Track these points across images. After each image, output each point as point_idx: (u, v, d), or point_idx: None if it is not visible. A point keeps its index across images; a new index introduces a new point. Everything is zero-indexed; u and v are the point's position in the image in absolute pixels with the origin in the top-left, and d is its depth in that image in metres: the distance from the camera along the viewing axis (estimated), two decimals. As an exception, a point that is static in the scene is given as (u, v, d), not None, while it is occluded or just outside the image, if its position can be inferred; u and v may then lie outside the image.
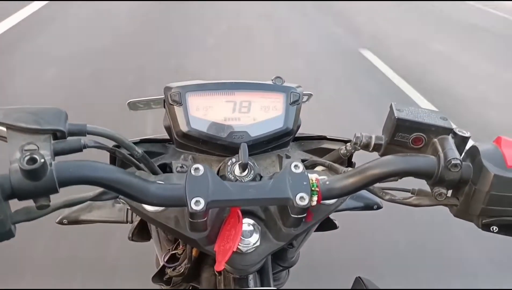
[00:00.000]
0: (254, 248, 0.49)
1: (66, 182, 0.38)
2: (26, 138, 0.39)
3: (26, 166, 0.34)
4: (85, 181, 0.39)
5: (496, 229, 0.44)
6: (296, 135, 0.64)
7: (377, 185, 0.51)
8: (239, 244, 0.48)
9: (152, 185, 0.43)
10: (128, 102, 0.69)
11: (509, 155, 0.42)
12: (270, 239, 0.51)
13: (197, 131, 0.56)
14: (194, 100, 0.56)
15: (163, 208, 0.49)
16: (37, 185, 0.36)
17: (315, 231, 0.71)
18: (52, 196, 0.39)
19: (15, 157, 0.37)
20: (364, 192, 0.82)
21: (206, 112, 0.56)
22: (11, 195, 0.36)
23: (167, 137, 0.62)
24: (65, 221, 0.73)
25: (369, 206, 0.82)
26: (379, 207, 0.82)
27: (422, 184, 0.50)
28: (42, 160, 0.35)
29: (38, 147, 0.38)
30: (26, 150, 0.37)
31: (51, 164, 0.37)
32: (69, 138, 0.42)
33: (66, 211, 0.74)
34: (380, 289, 0.56)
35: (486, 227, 0.44)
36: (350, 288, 0.60)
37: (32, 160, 0.34)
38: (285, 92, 0.58)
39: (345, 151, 0.56)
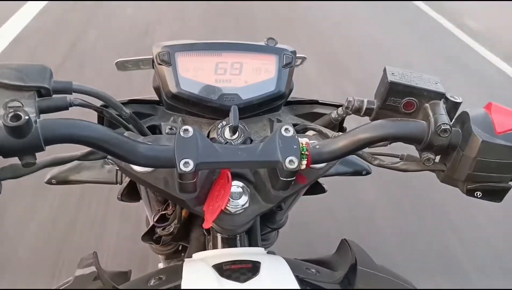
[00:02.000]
0: (242, 210, 0.50)
1: (52, 140, 0.37)
2: (10, 95, 0.38)
3: (10, 123, 0.33)
4: (72, 139, 0.38)
5: (480, 194, 0.45)
6: (288, 99, 0.63)
7: (367, 150, 0.51)
8: (228, 205, 0.49)
9: (141, 145, 0.42)
10: (116, 62, 0.67)
11: (498, 122, 0.42)
12: (259, 201, 0.51)
13: (187, 92, 0.55)
14: (184, 60, 0.55)
15: (152, 169, 0.48)
16: (22, 143, 0.35)
17: (303, 195, 0.72)
18: (38, 155, 0.38)
19: None
20: (353, 158, 0.83)
21: (196, 73, 0.55)
22: None
23: (157, 98, 0.60)
24: (53, 181, 0.73)
25: (358, 172, 0.83)
26: (368, 173, 0.84)
27: (411, 151, 0.51)
28: (27, 117, 0.34)
29: (23, 104, 0.37)
30: (10, 107, 0.36)
31: (36, 121, 0.36)
32: (54, 96, 0.41)
33: (55, 171, 0.74)
34: (364, 251, 0.58)
35: (470, 193, 0.45)
36: (335, 250, 0.62)
37: (16, 117, 0.34)
38: (278, 54, 0.57)
39: (336, 116, 0.55)
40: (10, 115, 0.33)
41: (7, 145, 0.35)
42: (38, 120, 0.37)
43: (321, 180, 0.74)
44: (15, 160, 0.39)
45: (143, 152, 0.42)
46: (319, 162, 0.47)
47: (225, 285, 0.43)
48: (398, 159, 0.49)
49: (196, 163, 0.42)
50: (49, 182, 0.73)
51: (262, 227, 0.76)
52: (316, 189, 0.72)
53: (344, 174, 0.82)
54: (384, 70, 0.48)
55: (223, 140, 0.52)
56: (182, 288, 0.44)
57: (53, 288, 0.50)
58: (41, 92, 0.40)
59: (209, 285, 0.43)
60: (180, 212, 0.62)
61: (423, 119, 0.45)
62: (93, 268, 0.50)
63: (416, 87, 0.46)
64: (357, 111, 0.51)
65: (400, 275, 0.55)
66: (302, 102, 0.64)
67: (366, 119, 0.52)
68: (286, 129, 0.45)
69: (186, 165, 0.42)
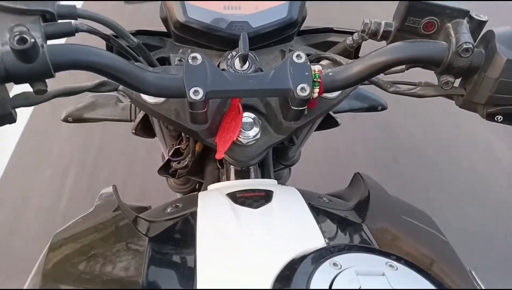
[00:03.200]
0: (254, 141, 0.50)
1: (61, 65, 0.37)
2: (14, 19, 0.37)
3: (16, 46, 0.33)
4: (81, 65, 0.38)
5: (500, 118, 0.43)
6: (301, 29, 0.60)
7: (382, 77, 0.49)
8: (240, 136, 0.49)
9: (150, 73, 0.42)
10: None
11: None
12: (270, 133, 0.51)
13: (194, 20, 0.53)
14: None
15: (163, 99, 0.48)
16: (31, 68, 0.35)
17: (316, 130, 0.72)
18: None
19: (5, 39, 0.35)
20: (368, 92, 0.81)
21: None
22: (6, 77, 0.35)
23: (165, 30, 0.59)
24: (69, 118, 0.74)
25: (373, 107, 0.81)
26: (383, 108, 0.82)
27: (429, 79, 0.49)
28: (33, 40, 0.33)
29: (28, 29, 0.36)
30: (15, 31, 0.35)
31: (43, 46, 0.36)
32: (59, 21, 0.40)
33: (70, 109, 0.75)
34: (378, 183, 0.58)
35: (490, 117, 0.43)
36: (348, 184, 0.62)
37: (22, 40, 0.33)
38: None
39: (351, 42, 0.53)
40: (16, 38, 0.33)
41: (16, 70, 0.35)
42: (45, 45, 0.36)
43: (334, 115, 0.73)
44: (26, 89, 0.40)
45: (153, 80, 0.41)
46: (332, 90, 0.46)
47: (238, 210, 0.44)
48: (415, 86, 0.47)
49: (206, 92, 0.42)
50: (65, 119, 0.75)
51: (275, 164, 0.77)
52: (328, 122, 0.71)
53: (359, 110, 0.80)
54: None
55: (233, 71, 0.51)
56: (197, 213, 0.45)
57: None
58: (46, 17, 0.39)
59: (223, 211, 0.45)
60: (193, 146, 0.63)
61: (444, 40, 0.43)
62: (113, 200, 0.52)
63: (438, 4, 0.42)
64: (374, 35, 0.48)
65: (415, 206, 0.55)
66: (315, 30, 0.61)
67: (384, 45, 0.49)
68: (298, 56, 0.44)
69: (196, 94, 0.41)
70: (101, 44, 0.50)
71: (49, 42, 0.38)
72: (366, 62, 0.43)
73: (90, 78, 0.45)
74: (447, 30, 0.42)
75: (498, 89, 0.40)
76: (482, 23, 0.43)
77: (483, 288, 0.43)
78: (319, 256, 0.35)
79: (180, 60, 0.55)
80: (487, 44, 0.41)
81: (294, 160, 0.82)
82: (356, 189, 0.57)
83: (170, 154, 0.67)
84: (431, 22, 0.44)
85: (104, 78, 0.43)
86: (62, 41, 0.37)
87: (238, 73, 0.51)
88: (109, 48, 0.52)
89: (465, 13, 0.43)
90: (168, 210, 0.51)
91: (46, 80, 0.38)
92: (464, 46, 0.40)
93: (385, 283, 0.33)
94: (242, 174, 0.58)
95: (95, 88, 0.45)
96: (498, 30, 0.41)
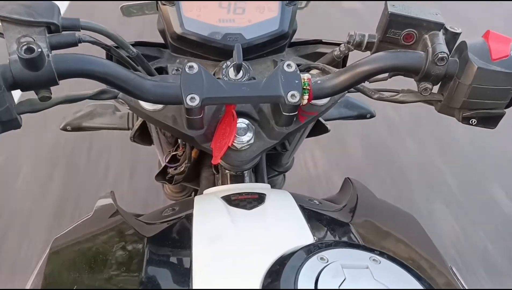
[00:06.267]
0: (248, 146, 0.52)
1: (65, 74, 0.39)
2: (21, 30, 0.40)
3: (24, 55, 0.35)
4: (84, 74, 0.40)
5: (475, 121, 0.46)
6: (292, 41, 0.63)
7: (367, 85, 0.52)
8: (234, 141, 0.51)
9: (149, 81, 0.44)
10: (121, 7, 0.67)
11: (495, 49, 0.42)
12: (263, 138, 0.54)
13: (191, 32, 0.55)
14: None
15: (161, 106, 0.51)
16: (37, 76, 0.38)
17: (307, 137, 0.75)
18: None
19: (13, 49, 0.38)
20: (357, 101, 0.84)
21: (199, 12, 0.55)
22: (13, 84, 0.38)
23: (162, 42, 0.61)
24: (68, 127, 0.76)
25: (362, 115, 0.84)
26: (372, 116, 0.85)
27: (411, 86, 0.52)
28: (39, 50, 0.36)
29: (34, 40, 0.39)
30: (22, 42, 0.38)
31: (48, 55, 0.38)
32: (63, 32, 0.43)
33: (69, 118, 0.77)
34: (366, 187, 0.61)
35: (466, 120, 0.46)
36: (339, 189, 0.65)
37: (30, 50, 0.36)
38: None
39: (338, 53, 0.56)
40: (23, 48, 0.36)
41: (23, 77, 0.37)
42: (50, 54, 0.39)
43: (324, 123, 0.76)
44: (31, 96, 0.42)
45: (151, 88, 0.44)
46: (321, 97, 0.49)
47: (233, 212, 0.46)
48: (397, 93, 0.50)
49: (202, 98, 0.44)
50: (64, 128, 0.77)
51: (268, 171, 0.80)
52: (319, 129, 0.74)
53: (348, 118, 0.83)
54: (385, 3, 0.48)
55: (227, 80, 0.54)
56: (193, 215, 0.47)
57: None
58: (51, 29, 0.41)
59: (218, 213, 0.47)
60: (190, 152, 0.66)
61: (422, 50, 0.46)
62: (111, 205, 0.54)
63: (416, 18, 0.46)
64: (359, 46, 0.51)
65: (401, 208, 0.58)
66: (305, 42, 0.64)
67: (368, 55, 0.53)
68: (288, 65, 0.47)
69: (193, 100, 0.44)
70: (103, 53, 0.53)
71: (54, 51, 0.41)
72: (352, 71, 0.46)
73: (92, 86, 0.47)
74: (425, 41, 0.46)
75: (471, 95, 0.44)
76: (456, 35, 0.46)
77: (464, 284, 0.45)
78: (307, 251, 0.37)
79: (177, 70, 0.58)
80: (461, 54, 0.45)
81: (287, 167, 0.85)
82: (346, 193, 0.59)
83: (167, 161, 0.69)
84: (410, 34, 0.47)
85: (104, 86, 0.46)
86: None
87: (232, 81, 0.54)
88: (109, 57, 0.54)
89: (440, 26, 0.46)
90: (165, 213, 0.53)
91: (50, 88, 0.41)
92: (440, 56, 0.43)
93: (369, 275, 0.35)
94: (237, 179, 0.61)
95: (96, 96, 0.48)
96: (470, 41, 0.44)
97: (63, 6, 2.87)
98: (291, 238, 0.42)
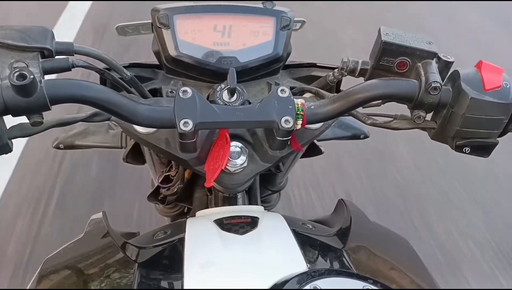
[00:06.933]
0: (241, 169, 0.52)
1: (57, 99, 0.39)
2: (14, 55, 0.39)
3: (16, 82, 0.35)
4: (76, 99, 0.40)
5: (468, 150, 0.46)
6: (286, 63, 0.64)
7: (361, 110, 0.52)
8: (228, 164, 0.51)
9: (142, 106, 0.44)
10: (116, 27, 0.68)
11: (488, 79, 0.43)
12: (257, 161, 0.53)
13: (186, 55, 0.56)
14: (182, 23, 0.55)
15: (154, 129, 0.50)
16: (28, 102, 0.37)
17: (301, 157, 0.75)
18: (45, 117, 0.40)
19: (5, 75, 0.38)
20: (351, 121, 0.85)
21: (194, 35, 0.56)
22: (4, 110, 0.37)
23: (157, 63, 0.62)
24: (61, 145, 0.76)
25: (356, 136, 0.85)
26: (366, 137, 0.86)
27: (405, 112, 0.52)
28: (32, 76, 0.36)
29: (27, 65, 0.39)
30: (15, 67, 0.38)
31: (41, 81, 0.38)
32: (57, 57, 0.42)
33: (62, 136, 0.76)
34: (360, 210, 0.61)
35: (459, 148, 0.47)
36: (333, 210, 0.64)
37: (22, 76, 0.35)
38: (276, 16, 0.58)
39: (332, 78, 0.56)
40: (16, 74, 0.35)
41: (15, 103, 0.37)
42: (42, 80, 0.38)
43: (319, 143, 0.76)
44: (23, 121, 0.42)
45: (144, 112, 0.44)
46: (314, 122, 0.49)
47: (225, 237, 0.46)
48: (391, 119, 0.51)
49: (195, 123, 0.44)
50: (56, 146, 0.76)
51: (262, 190, 0.79)
52: (313, 151, 0.74)
53: (342, 138, 0.84)
54: (379, 30, 0.48)
55: (221, 103, 0.54)
56: (185, 240, 0.47)
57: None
58: (44, 53, 0.41)
59: (210, 237, 0.46)
60: (183, 173, 0.65)
61: (415, 78, 0.46)
62: (103, 227, 0.53)
63: (409, 46, 0.46)
64: (352, 72, 0.52)
65: (395, 232, 0.57)
66: (300, 65, 0.65)
67: (363, 81, 0.53)
68: (282, 90, 0.47)
69: (186, 125, 0.44)
70: (96, 76, 0.53)
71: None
72: (345, 97, 0.46)
73: (85, 108, 0.47)
74: (418, 70, 0.46)
75: (465, 124, 0.44)
76: (449, 64, 0.47)
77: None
78: (300, 281, 0.37)
79: (171, 92, 0.58)
80: (454, 83, 0.45)
81: (281, 186, 0.85)
82: (339, 215, 0.59)
83: (159, 181, 0.69)
84: (403, 62, 0.48)
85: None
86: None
87: (226, 104, 0.54)
88: (103, 80, 0.54)
89: (433, 55, 0.47)
90: (157, 236, 0.52)
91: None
92: (433, 85, 0.43)
93: None
94: (230, 200, 0.60)
95: (88, 119, 0.48)
96: (462, 70, 0.45)
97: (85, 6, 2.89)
98: (284, 265, 0.42)
